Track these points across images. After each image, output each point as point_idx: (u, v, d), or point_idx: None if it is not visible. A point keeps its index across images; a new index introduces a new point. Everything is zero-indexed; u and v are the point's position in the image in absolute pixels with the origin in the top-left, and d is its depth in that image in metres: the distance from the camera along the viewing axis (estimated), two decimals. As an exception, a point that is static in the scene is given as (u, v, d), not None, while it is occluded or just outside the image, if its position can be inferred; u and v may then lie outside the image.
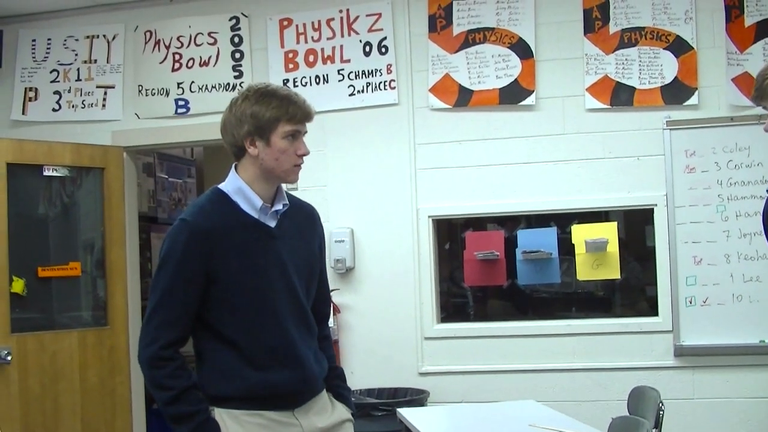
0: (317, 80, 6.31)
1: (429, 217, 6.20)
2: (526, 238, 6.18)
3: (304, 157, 3.13)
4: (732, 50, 5.90)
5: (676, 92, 5.98)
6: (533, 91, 6.11)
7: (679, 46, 5.98)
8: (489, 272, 6.21)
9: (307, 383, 3.16)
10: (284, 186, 3.23)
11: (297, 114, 3.05)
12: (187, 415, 3.00)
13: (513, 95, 6.13)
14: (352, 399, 3.46)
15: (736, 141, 5.89)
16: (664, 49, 6.00)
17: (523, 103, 6.12)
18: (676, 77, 5.98)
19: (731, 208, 5.89)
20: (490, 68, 6.14)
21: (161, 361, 3.01)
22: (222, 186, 3.15)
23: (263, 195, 3.11)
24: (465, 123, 6.20)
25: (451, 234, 6.46)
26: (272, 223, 3.14)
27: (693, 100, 5.96)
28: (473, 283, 6.33)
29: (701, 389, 5.78)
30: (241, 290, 3.05)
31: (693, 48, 5.97)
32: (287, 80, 6.29)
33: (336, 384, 3.37)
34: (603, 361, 5.97)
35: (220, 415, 3.08)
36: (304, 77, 6.32)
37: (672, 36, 5.99)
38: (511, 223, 6.33)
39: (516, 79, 6.12)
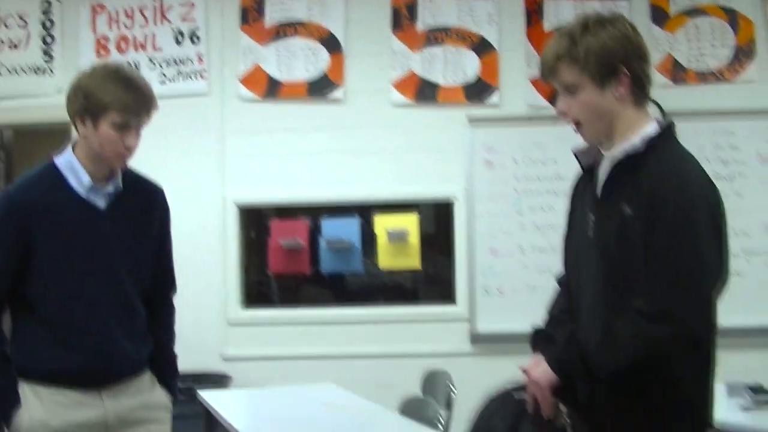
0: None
1: (236, 204, 6.27)
2: (330, 228, 6.30)
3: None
4: (531, 52, 6.17)
5: (478, 91, 6.21)
6: (341, 85, 6.26)
7: (482, 47, 6.23)
8: (293, 260, 6.30)
9: (115, 367, 3.10)
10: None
11: (130, 105, 2.93)
12: None
13: (321, 88, 6.27)
14: (177, 386, 3.37)
15: (533, 139, 6.16)
16: (467, 48, 6.24)
17: (330, 96, 6.27)
18: (478, 76, 6.21)
19: (527, 203, 6.13)
20: (299, 61, 6.27)
21: None
22: (57, 159, 3.06)
23: (94, 174, 3.02)
24: (274, 114, 6.31)
25: (260, 222, 6.52)
26: (102, 203, 3.06)
27: (494, 98, 6.21)
28: (277, 270, 6.40)
29: (496, 375, 5.91)
30: (56, 268, 3.00)
31: (495, 49, 6.22)
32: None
33: (161, 369, 3.30)
34: (402, 348, 6.12)
35: (23, 389, 3.03)
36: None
37: (476, 37, 6.23)
38: (317, 212, 6.41)
39: (324, 73, 6.26)
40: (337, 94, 6.26)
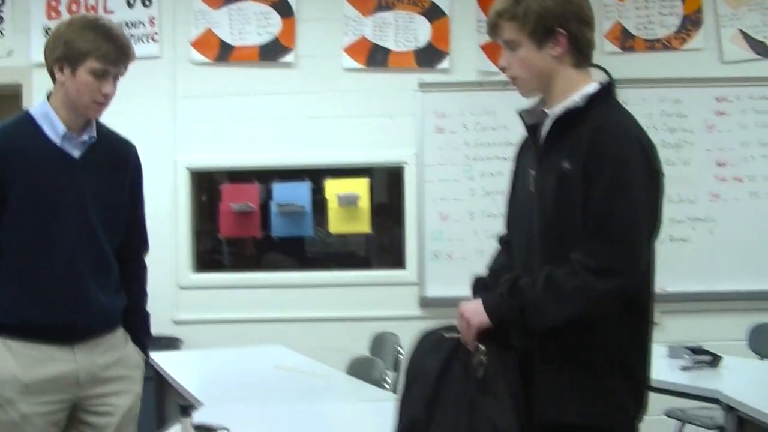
0: None
1: (187, 168, 6.27)
2: (281, 192, 6.33)
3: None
4: (482, 18, 6.19)
5: (429, 56, 6.25)
6: (292, 49, 6.27)
7: (433, 12, 6.27)
8: (244, 224, 6.33)
9: (88, 320, 3.10)
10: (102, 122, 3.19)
11: (109, 54, 2.97)
12: None
13: (273, 52, 6.28)
14: (148, 345, 3.39)
15: (483, 104, 6.21)
16: (419, 14, 6.27)
17: (282, 60, 6.28)
18: (429, 42, 6.26)
19: (476, 168, 6.20)
20: (251, 25, 6.27)
21: None
22: (31, 109, 3.11)
23: (69, 123, 3.05)
24: (226, 78, 6.32)
25: (211, 187, 6.54)
26: (76, 153, 3.08)
27: (444, 64, 6.25)
28: (228, 234, 6.43)
29: (445, 339, 6.01)
30: (29, 215, 3.01)
31: (446, 15, 6.26)
32: (49, 28, 6.22)
33: (134, 327, 3.31)
34: (352, 312, 6.18)
35: None
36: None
37: (427, 2, 6.27)
38: (268, 176, 6.43)
39: (276, 37, 6.27)
40: (289, 58, 6.27)
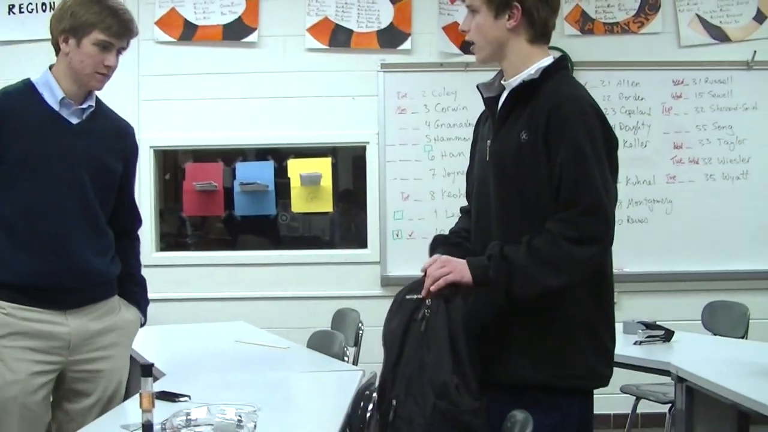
0: (44, 7, 6.26)
1: (150, 147, 6.28)
2: (244, 171, 6.37)
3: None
4: (444, 0, 6.27)
5: (391, 37, 6.31)
6: (256, 29, 6.30)
7: (395, -6, 6.32)
8: (207, 203, 6.38)
9: (80, 278, 3.17)
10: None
11: (113, 27, 3.10)
12: None
13: (236, 32, 6.31)
14: (147, 309, 3.51)
15: (444, 85, 6.29)
16: (382, -5, 6.32)
17: (245, 40, 6.31)
18: (391, 23, 6.31)
19: (437, 149, 6.27)
20: (215, 5, 6.29)
21: None
22: (33, 78, 3.18)
23: (70, 93, 3.15)
24: (189, 57, 6.34)
25: (175, 166, 6.56)
26: (74, 119, 3.18)
27: (406, 45, 6.31)
28: (192, 213, 6.47)
29: (405, 317, 6.07)
30: (23, 176, 3.08)
31: (408, -4, 6.32)
32: (12, 6, 6.24)
33: (132, 290, 3.42)
34: (314, 290, 6.24)
35: None
36: (30, 3, 6.26)
37: (389, -17, 6.32)
38: (232, 156, 6.48)
39: (240, 17, 6.30)
40: (252, 38, 6.31)
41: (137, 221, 3.56)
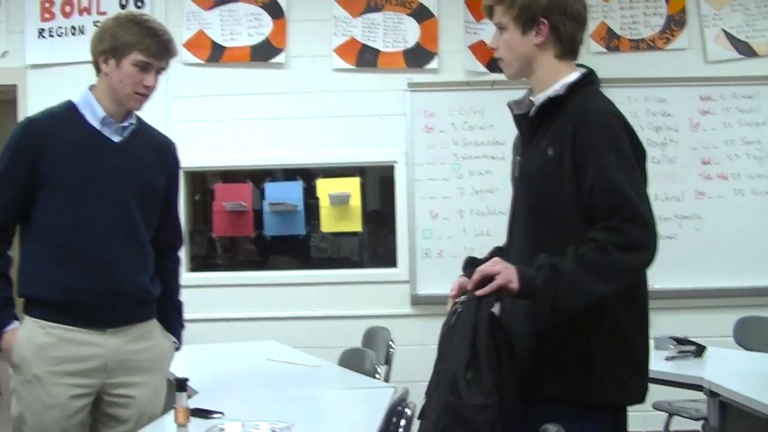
0: (73, 31, 6.33)
1: (180, 168, 6.29)
2: (273, 191, 6.41)
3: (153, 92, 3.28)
4: (469, 19, 6.31)
5: (418, 56, 6.34)
6: (283, 50, 6.35)
7: (421, 13, 6.35)
8: (237, 223, 6.42)
9: (121, 296, 3.20)
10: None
11: (152, 48, 3.16)
12: None
13: (264, 53, 6.36)
14: (182, 334, 3.54)
15: (471, 104, 6.30)
16: (407, 15, 6.36)
17: (273, 60, 6.36)
18: (417, 42, 6.34)
19: (465, 167, 6.28)
20: (242, 26, 6.35)
21: None
22: (74, 99, 3.26)
23: (110, 112, 3.22)
24: (217, 78, 6.39)
25: (204, 186, 6.61)
26: (116, 138, 3.24)
27: (433, 64, 6.34)
28: (222, 233, 6.51)
29: (435, 336, 6.05)
30: (68, 194, 3.14)
31: (434, 15, 6.35)
32: (43, 30, 6.31)
33: (168, 314, 3.45)
34: (344, 310, 6.25)
35: (28, 323, 3.14)
36: (60, 27, 6.33)
37: (415, 3, 6.36)
38: (260, 176, 6.51)
39: (267, 38, 6.35)
40: (280, 59, 6.35)
41: (179, 240, 3.61)
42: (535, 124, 2.66)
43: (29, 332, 3.12)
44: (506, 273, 2.42)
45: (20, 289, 3.19)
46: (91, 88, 3.27)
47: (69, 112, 3.23)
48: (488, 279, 2.43)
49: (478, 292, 2.43)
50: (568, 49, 2.69)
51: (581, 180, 2.49)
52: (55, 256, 3.13)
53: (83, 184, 3.16)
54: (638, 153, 2.56)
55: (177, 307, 3.53)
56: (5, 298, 3.16)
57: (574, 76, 2.66)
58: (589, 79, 2.68)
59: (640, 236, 2.44)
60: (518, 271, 2.44)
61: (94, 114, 3.21)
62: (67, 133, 3.18)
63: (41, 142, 3.14)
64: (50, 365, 3.09)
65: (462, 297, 2.52)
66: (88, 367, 3.14)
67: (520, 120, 2.77)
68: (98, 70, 3.23)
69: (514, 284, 2.42)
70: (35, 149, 3.14)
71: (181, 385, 2.23)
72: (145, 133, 3.38)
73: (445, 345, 2.49)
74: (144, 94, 3.24)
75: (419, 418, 2.51)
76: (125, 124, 3.26)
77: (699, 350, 4.47)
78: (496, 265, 2.45)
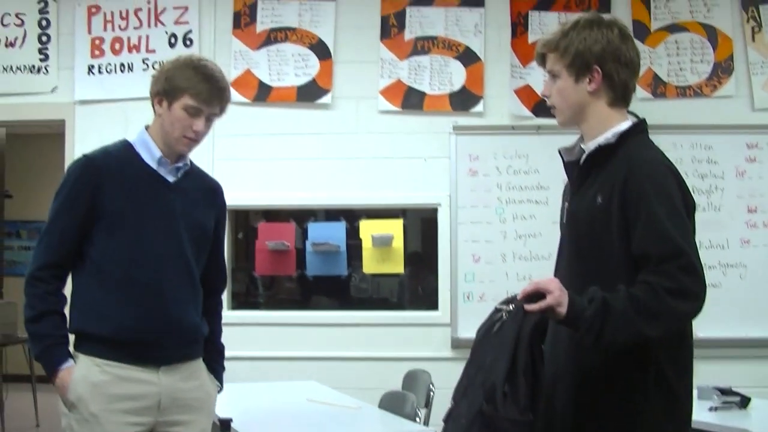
0: (122, 68, 6.42)
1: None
2: (316, 231, 6.43)
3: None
4: (516, 64, 6.33)
5: (463, 99, 6.36)
6: (329, 91, 6.39)
7: (468, 57, 6.38)
8: (279, 262, 6.43)
9: (175, 332, 3.21)
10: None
11: (203, 93, 3.17)
12: (40, 336, 3.12)
13: (310, 93, 6.41)
14: (223, 377, 3.53)
15: (516, 148, 6.30)
16: (454, 58, 6.39)
17: (319, 101, 6.41)
18: (463, 85, 6.36)
19: (509, 211, 6.27)
20: (289, 66, 6.41)
21: (35, 280, 3.14)
22: (130, 138, 3.30)
23: (164, 151, 3.25)
24: (264, 118, 6.44)
25: (247, 225, 6.65)
26: (170, 178, 3.27)
27: (478, 107, 6.35)
28: (264, 272, 6.54)
29: (474, 380, 6.04)
30: (125, 232, 3.16)
31: (480, 59, 6.37)
32: (92, 66, 6.40)
33: (212, 358, 3.44)
34: (384, 351, 6.23)
35: (84, 361, 3.15)
36: (110, 64, 6.42)
37: (462, 47, 6.38)
38: (304, 216, 6.55)
39: (314, 78, 6.40)
40: (326, 99, 6.39)
41: (224, 283, 3.63)
42: (585, 172, 2.66)
43: (84, 371, 3.13)
44: (558, 295, 2.40)
45: (73, 324, 3.19)
46: (147, 127, 3.30)
47: (125, 150, 3.26)
48: (540, 295, 2.41)
49: (527, 307, 2.41)
50: (620, 96, 2.70)
51: (631, 228, 2.48)
52: (109, 291, 3.14)
53: (140, 219, 3.18)
54: (688, 203, 2.55)
55: (220, 350, 3.53)
56: (61, 336, 3.16)
57: (625, 124, 2.66)
58: (641, 127, 2.68)
59: (692, 285, 2.42)
60: (570, 297, 2.42)
61: (150, 153, 3.24)
62: (124, 171, 3.20)
63: (100, 178, 3.16)
64: (107, 403, 3.10)
65: (505, 305, 2.49)
66: (143, 405, 3.15)
67: (570, 167, 2.76)
68: (154, 110, 3.27)
69: (563, 309, 2.40)
70: (94, 184, 3.16)
71: (225, 425, 2.23)
72: (195, 175, 3.40)
73: (480, 350, 2.47)
74: (192, 138, 3.25)
75: (444, 421, 2.50)
76: (179, 164, 3.29)
77: (743, 401, 4.41)
78: (552, 283, 2.43)
